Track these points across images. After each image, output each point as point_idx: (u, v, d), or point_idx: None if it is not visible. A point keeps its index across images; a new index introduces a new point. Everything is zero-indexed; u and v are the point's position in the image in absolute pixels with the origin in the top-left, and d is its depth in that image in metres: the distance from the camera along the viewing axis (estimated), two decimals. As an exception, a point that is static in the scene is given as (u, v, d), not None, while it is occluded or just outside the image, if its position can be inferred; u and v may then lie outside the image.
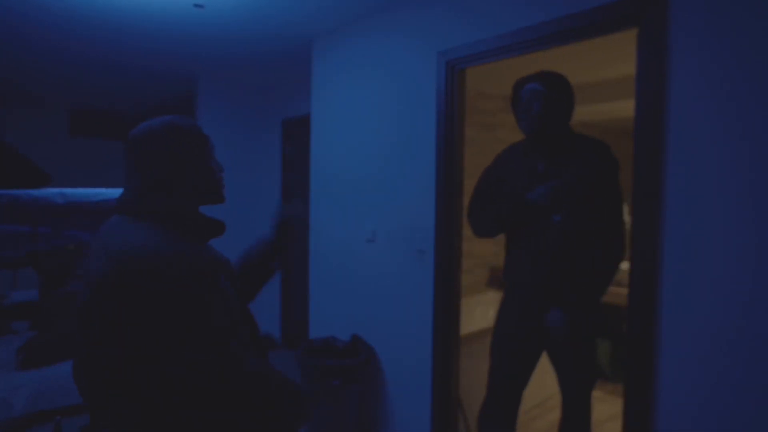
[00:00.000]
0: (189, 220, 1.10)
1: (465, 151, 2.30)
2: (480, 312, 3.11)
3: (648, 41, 1.56)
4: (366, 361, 2.51)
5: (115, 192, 3.17)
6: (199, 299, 0.96)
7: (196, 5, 2.55)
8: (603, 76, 3.05)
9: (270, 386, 1.07)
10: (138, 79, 4.10)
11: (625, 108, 2.94)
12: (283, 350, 4.12)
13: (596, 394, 3.26)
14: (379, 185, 2.58)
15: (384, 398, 2.57)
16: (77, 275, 4.11)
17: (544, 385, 2.66)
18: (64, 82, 4.22)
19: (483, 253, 3.55)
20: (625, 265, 1.62)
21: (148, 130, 1.11)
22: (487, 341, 2.04)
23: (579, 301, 1.76)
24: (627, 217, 1.82)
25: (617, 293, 3.30)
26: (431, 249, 2.28)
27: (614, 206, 1.77)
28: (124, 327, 0.93)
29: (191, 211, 1.12)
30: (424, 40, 2.32)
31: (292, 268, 2.15)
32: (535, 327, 1.82)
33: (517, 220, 1.85)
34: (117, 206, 1.09)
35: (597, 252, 1.76)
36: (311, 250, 3.08)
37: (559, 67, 2.83)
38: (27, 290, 4.03)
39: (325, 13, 2.66)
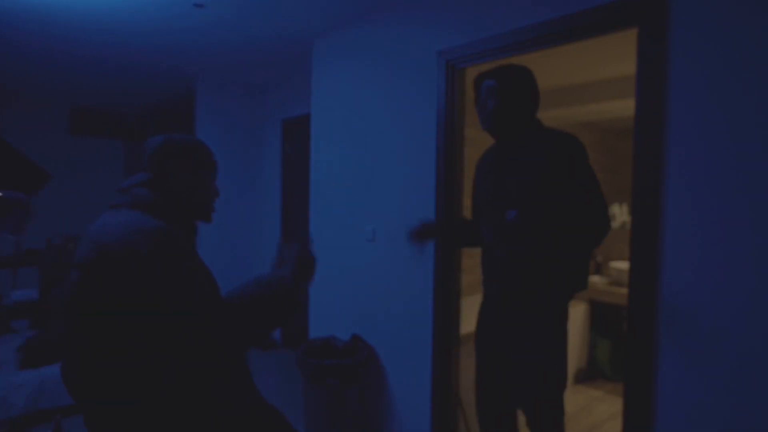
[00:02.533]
0: (170, 212, 1.20)
1: (465, 151, 2.30)
2: (480, 312, 3.10)
3: (648, 41, 1.56)
4: (366, 360, 2.51)
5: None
6: (176, 269, 1.04)
7: (196, 5, 2.54)
8: (603, 75, 3.05)
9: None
10: (138, 78, 4.10)
11: (625, 107, 2.94)
12: (283, 350, 4.12)
13: (596, 394, 3.27)
14: (379, 185, 2.58)
15: (384, 398, 2.57)
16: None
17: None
18: (64, 81, 4.22)
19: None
20: (625, 265, 1.59)
21: (178, 140, 1.25)
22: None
23: (541, 309, 1.61)
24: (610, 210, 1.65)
25: (617, 293, 3.31)
26: (431, 249, 2.28)
27: (579, 195, 1.54)
28: (110, 300, 1.02)
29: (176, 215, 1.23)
30: (423, 40, 2.32)
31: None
32: (501, 336, 1.72)
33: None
34: (112, 203, 1.20)
35: (560, 246, 1.58)
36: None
37: (559, 66, 2.84)
38: (27, 290, 4.02)
39: (325, 13, 2.66)
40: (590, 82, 3.17)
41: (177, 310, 1.02)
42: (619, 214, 3.82)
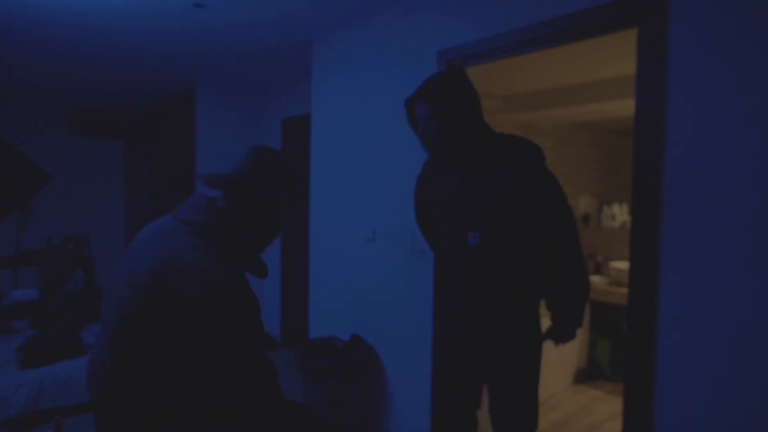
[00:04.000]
0: (247, 256, 1.16)
1: (465, 150, 2.30)
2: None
3: (648, 41, 1.56)
4: (366, 360, 2.51)
5: None
6: (237, 321, 1.03)
7: (196, 5, 2.54)
8: (603, 75, 3.05)
9: (280, 405, 1.13)
10: (138, 78, 4.10)
11: (625, 107, 2.94)
12: (283, 350, 4.12)
13: (596, 394, 3.27)
14: (379, 185, 2.58)
15: (384, 398, 2.57)
16: (77, 275, 4.11)
17: (544, 384, 2.66)
18: (65, 81, 4.22)
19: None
20: (625, 265, 1.58)
21: (271, 164, 1.16)
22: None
23: (511, 325, 1.54)
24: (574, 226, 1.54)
25: (617, 293, 3.31)
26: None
27: (550, 219, 1.48)
28: (172, 323, 0.99)
29: (253, 250, 1.19)
30: (423, 40, 2.32)
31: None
32: (469, 349, 1.62)
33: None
34: (192, 222, 1.11)
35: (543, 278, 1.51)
36: (311, 250, 3.08)
37: (559, 66, 2.84)
38: (27, 290, 4.02)
39: (325, 13, 2.66)
40: (590, 82, 3.16)
41: (222, 354, 1.01)
42: (619, 214, 3.82)
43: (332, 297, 2.91)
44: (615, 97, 3.06)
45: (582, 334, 3.51)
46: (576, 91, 3.25)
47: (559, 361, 3.25)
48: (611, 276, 3.60)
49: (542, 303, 1.63)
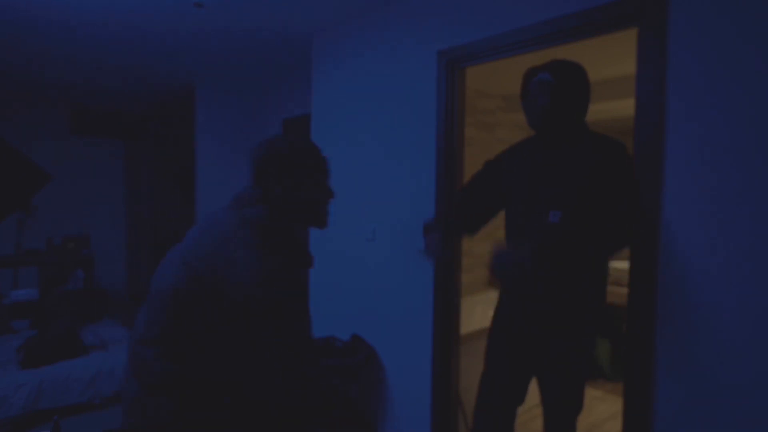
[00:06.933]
0: (290, 241, 1.23)
1: (465, 150, 2.30)
2: (480, 311, 3.11)
3: (648, 41, 1.56)
4: (366, 360, 2.51)
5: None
6: (287, 307, 1.11)
7: (196, 4, 2.54)
8: (603, 75, 3.05)
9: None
10: (138, 78, 4.10)
11: (625, 107, 2.94)
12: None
13: (596, 394, 3.27)
14: (379, 185, 2.58)
15: (384, 398, 2.57)
16: (77, 275, 4.12)
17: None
18: (65, 81, 4.22)
19: (483, 252, 3.56)
20: (625, 265, 1.57)
21: (276, 150, 1.22)
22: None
23: (585, 324, 1.58)
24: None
25: (617, 293, 3.30)
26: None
27: (624, 204, 1.50)
28: (222, 309, 1.07)
29: (294, 232, 1.27)
30: (424, 39, 2.32)
31: None
32: (528, 346, 1.66)
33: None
34: (234, 204, 1.22)
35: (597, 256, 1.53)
36: (311, 249, 3.08)
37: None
38: (27, 290, 4.02)
39: (324, 12, 2.66)
40: (591, 82, 3.16)
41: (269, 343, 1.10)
42: (619, 214, 3.81)
43: (332, 297, 2.91)
44: (615, 97, 3.06)
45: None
46: (576, 90, 3.25)
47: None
48: (611, 276, 3.59)
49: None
